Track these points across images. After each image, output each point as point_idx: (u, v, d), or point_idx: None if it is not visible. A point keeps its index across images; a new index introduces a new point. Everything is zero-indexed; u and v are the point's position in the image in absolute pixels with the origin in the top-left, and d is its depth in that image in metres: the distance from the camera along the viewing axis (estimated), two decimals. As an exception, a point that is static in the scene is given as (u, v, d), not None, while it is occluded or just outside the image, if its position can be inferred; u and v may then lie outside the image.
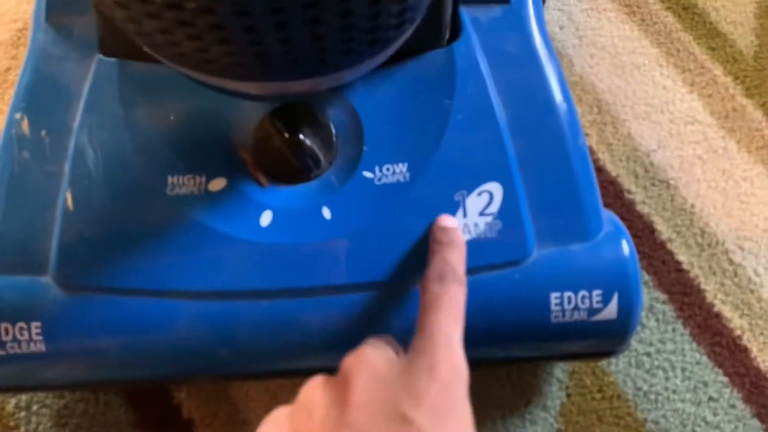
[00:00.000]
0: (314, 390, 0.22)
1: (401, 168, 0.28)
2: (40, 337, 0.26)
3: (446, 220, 0.27)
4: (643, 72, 0.42)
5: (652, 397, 0.34)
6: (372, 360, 0.22)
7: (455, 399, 0.21)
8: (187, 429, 0.32)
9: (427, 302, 0.24)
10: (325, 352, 0.27)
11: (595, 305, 0.27)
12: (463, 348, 0.23)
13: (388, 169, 0.28)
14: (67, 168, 0.27)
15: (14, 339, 0.26)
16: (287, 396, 0.33)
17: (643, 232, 0.37)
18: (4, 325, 0.26)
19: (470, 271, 0.27)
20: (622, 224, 0.29)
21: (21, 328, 0.26)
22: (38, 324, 0.26)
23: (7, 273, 0.27)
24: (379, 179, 0.28)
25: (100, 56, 0.28)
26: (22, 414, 0.32)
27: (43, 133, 0.28)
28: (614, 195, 0.38)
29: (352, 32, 0.20)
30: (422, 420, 0.20)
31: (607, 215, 0.29)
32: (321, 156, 0.28)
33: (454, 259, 0.25)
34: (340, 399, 0.21)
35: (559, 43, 0.42)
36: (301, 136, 0.28)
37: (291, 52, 0.20)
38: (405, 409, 0.20)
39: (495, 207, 0.27)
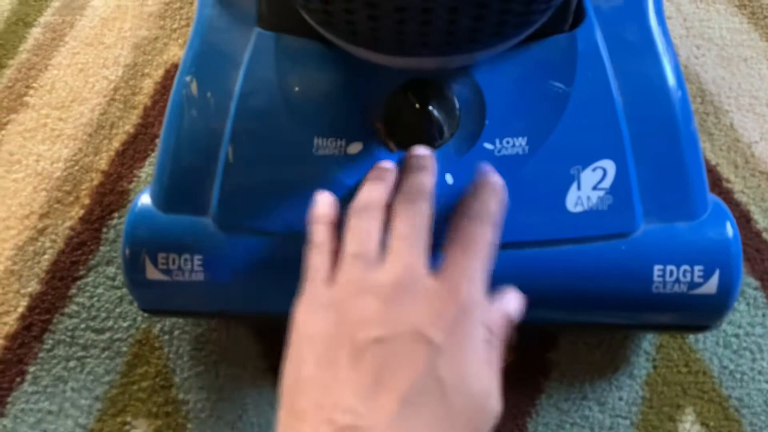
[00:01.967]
0: (347, 282, 0.24)
1: (521, 141, 0.30)
2: (200, 268, 0.31)
3: (418, 151, 0.29)
4: (749, 65, 0.42)
5: (738, 376, 0.35)
6: (401, 275, 0.24)
7: (472, 324, 0.23)
8: (305, 363, 0.36)
9: (457, 236, 0.26)
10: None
11: (696, 279, 0.29)
12: (485, 284, 0.25)
13: (507, 142, 0.31)
14: (228, 126, 0.31)
15: (179, 268, 0.31)
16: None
17: (739, 220, 0.38)
18: (172, 255, 0.31)
19: (580, 240, 0.29)
20: (727, 208, 0.31)
21: (185, 260, 0.31)
22: (200, 257, 0.31)
23: (176, 212, 0.31)
24: (499, 151, 0.31)
25: (259, 29, 0.32)
26: (166, 337, 0.38)
27: (209, 94, 0.32)
28: (712, 183, 0.39)
29: (507, 16, 0.23)
30: (438, 338, 0.22)
31: (713, 198, 0.31)
32: (445, 127, 0.31)
33: (491, 204, 0.27)
34: (370, 308, 0.23)
35: (666, 32, 0.43)
36: (430, 108, 0.31)
37: (452, 33, 0.23)
38: (426, 330, 0.22)
39: (607, 182, 0.29)
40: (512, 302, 0.27)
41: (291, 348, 0.25)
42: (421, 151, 0.29)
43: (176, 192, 0.32)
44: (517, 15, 0.23)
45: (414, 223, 0.26)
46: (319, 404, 0.22)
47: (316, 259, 0.26)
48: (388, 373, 0.22)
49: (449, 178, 0.31)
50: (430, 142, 0.31)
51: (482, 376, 0.23)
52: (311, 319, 0.25)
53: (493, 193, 0.27)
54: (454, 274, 0.24)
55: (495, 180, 0.28)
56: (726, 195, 0.39)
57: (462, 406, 0.22)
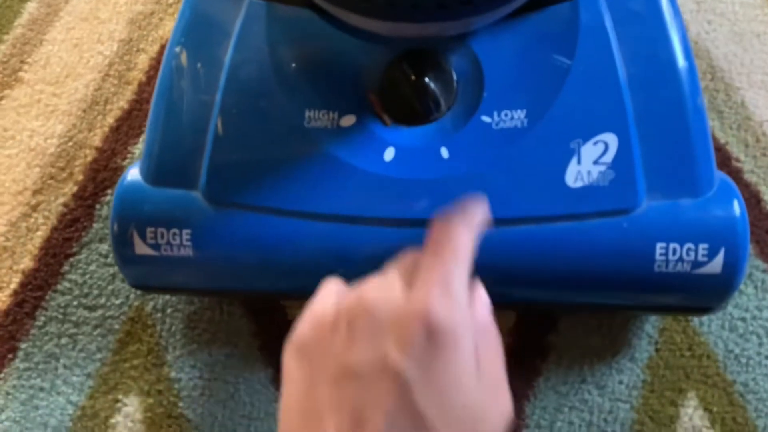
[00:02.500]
0: (321, 319, 0.22)
1: (519, 114, 0.29)
2: (189, 243, 0.30)
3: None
4: (762, 41, 0.41)
5: (743, 360, 0.34)
6: (371, 297, 0.21)
7: (451, 346, 0.20)
8: (298, 343, 0.36)
9: (432, 243, 0.23)
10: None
11: (700, 258, 0.28)
12: (465, 287, 0.22)
13: (506, 115, 0.29)
14: (218, 97, 0.30)
15: (168, 243, 0.30)
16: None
17: (749, 201, 0.37)
18: (160, 230, 0.30)
19: (580, 216, 0.28)
20: (734, 185, 0.29)
21: (174, 234, 0.30)
22: (188, 231, 0.30)
23: (165, 186, 0.31)
24: (497, 124, 0.30)
25: (250, -2, 0.31)
26: (158, 315, 0.37)
27: (199, 65, 0.31)
28: (721, 162, 0.38)
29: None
30: (409, 368, 0.20)
31: (720, 176, 0.30)
32: (442, 100, 0.30)
33: (471, 208, 0.24)
34: (344, 337, 0.21)
35: (675, 7, 0.42)
36: (426, 80, 0.30)
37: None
38: (392, 356, 0.20)
39: (609, 157, 0.28)
40: (479, 285, 0.24)
41: (282, 387, 0.23)
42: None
43: (165, 165, 0.31)
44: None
45: (442, 263, 0.22)
46: None
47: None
48: (363, 410, 0.20)
49: (445, 153, 0.30)
50: (426, 116, 0.30)
51: (470, 392, 0.21)
52: (292, 363, 0.23)
53: (475, 204, 0.25)
54: (424, 286, 0.21)
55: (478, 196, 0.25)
56: (735, 174, 0.38)
57: (452, 429, 0.20)
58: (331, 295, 0.23)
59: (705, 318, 0.35)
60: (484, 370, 0.21)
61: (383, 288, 0.22)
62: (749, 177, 0.38)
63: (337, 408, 0.21)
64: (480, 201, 0.25)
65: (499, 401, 0.22)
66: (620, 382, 0.34)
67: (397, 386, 0.20)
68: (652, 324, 0.35)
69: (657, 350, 0.35)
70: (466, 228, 0.23)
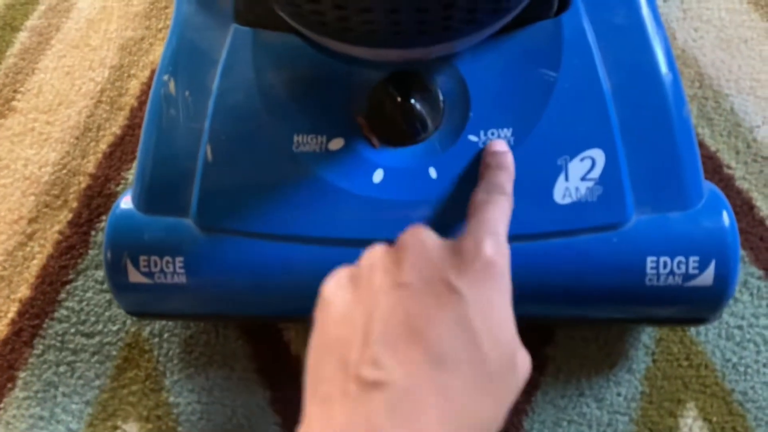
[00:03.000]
0: (375, 255, 0.24)
1: (506, 133, 0.29)
2: (182, 270, 0.30)
3: (497, 145, 0.29)
4: (750, 46, 0.41)
5: (741, 369, 0.34)
6: (425, 235, 0.24)
7: (498, 274, 0.23)
8: (296, 363, 0.36)
9: (474, 208, 0.26)
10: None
11: (691, 271, 0.28)
12: (507, 242, 0.24)
13: (492, 134, 0.30)
14: (207, 125, 0.31)
15: (161, 270, 0.30)
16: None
17: (741, 208, 0.37)
18: (153, 258, 0.30)
19: (569, 233, 0.28)
20: (723, 196, 0.29)
21: (167, 262, 0.30)
22: (181, 259, 0.30)
23: (156, 213, 0.31)
24: (484, 143, 0.30)
25: (236, 25, 0.31)
26: (155, 340, 0.37)
27: (187, 93, 0.31)
28: (713, 170, 0.38)
29: (479, 3, 0.22)
30: (464, 288, 0.22)
31: (709, 186, 0.30)
32: (428, 120, 0.30)
33: (502, 179, 0.27)
34: (396, 263, 0.23)
35: (662, 16, 0.42)
36: (412, 101, 0.30)
37: (423, 22, 0.22)
38: (450, 277, 0.22)
39: (596, 172, 0.28)
40: None
41: (315, 322, 0.24)
42: (500, 147, 0.29)
43: (156, 193, 0.31)
44: (489, 1, 0.22)
45: (488, 218, 0.25)
46: (343, 362, 0.21)
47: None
48: (416, 319, 0.21)
49: (433, 173, 0.30)
50: (413, 136, 0.31)
51: (510, 326, 0.23)
52: (335, 290, 0.24)
53: (498, 167, 0.28)
54: (477, 231, 0.24)
55: (500, 149, 0.28)
56: (727, 182, 0.38)
57: (494, 356, 0.21)
58: (380, 247, 0.24)
59: (702, 327, 0.35)
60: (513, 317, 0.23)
61: (432, 232, 0.24)
62: (741, 184, 0.38)
63: (387, 316, 0.21)
64: (507, 162, 0.28)
65: (524, 351, 0.23)
66: (618, 395, 0.34)
67: (453, 302, 0.21)
68: (648, 334, 0.35)
69: (654, 361, 0.35)
70: (502, 196, 0.26)
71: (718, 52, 0.41)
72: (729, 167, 0.38)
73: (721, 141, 0.39)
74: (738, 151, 0.38)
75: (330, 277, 0.24)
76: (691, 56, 0.41)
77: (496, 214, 0.25)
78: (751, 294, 0.35)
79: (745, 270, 0.36)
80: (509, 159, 0.28)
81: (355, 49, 0.26)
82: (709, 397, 0.34)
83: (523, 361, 0.23)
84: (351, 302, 0.23)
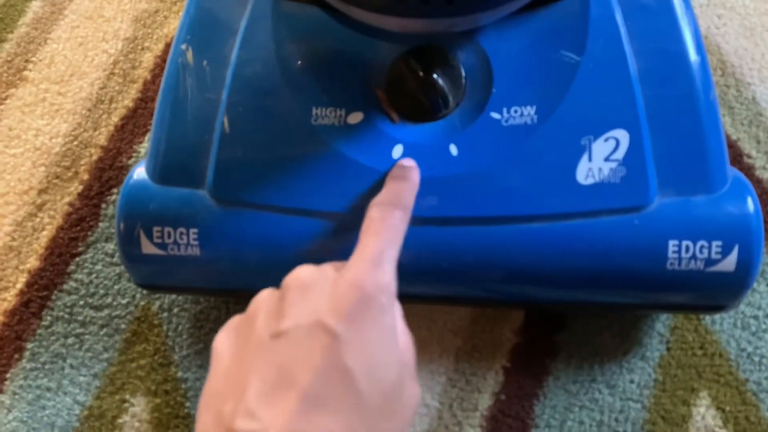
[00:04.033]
0: (258, 301, 0.24)
1: (529, 110, 0.29)
2: (196, 242, 0.30)
3: (405, 161, 0.29)
4: (774, 35, 0.40)
5: (756, 359, 0.34)
6: (306, 277, 0.23)
7: (377, 310, 0.22)
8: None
9: (366, 225, 0.25)
10: (435, 279, 0.30)
11: (714, 256, 0.27)
12: (394, 269, 0.24)
13: (515, 111, 0.29)
14: (224, 95, 0.30)
15: (174, 242, 0.30)
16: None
17: (761, 197, 0.36)
18: (167, 229, 0.30)
19: (591, 213, 0.28)
20: (748, 182, 0.29)
21: (181, 233, 0.30)
22: (195, 230, 0.30)
23: (171, 185, 0.31)
24: (507, 120, 0.29)
25: (256, -5, 0.31)
26: (165, 314, 0.37)
27: (205, 63, 0.31)
28: (733, 159, 0.37)
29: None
30: (342, 330, 0.21)
31: (734, 172, 0.29)
32: (450, 96, 0.30)
33: (402, 191, 0.27)
34: (277, 309, 0.23)
35: (685, 1, 0.41)
36: (434, 76, 0.30)
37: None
38: (327, 320, 0.21)
39: (620, 153, 0.28)
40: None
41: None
42: (407, 162, 0.29)
43: (171, 164, 0.31)
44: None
45: (376, 243, 0.24)
46: (220, 415, 0.21)
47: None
48: (290, 368, 0.21)
49: (454, 150, 0.29)
50: (434, 112, 0.30)
51: (392, 363, 0.22)
52: (223, 340, 0.24)
53: (403, 178, 0.27)
54: (358, 262, 0.23)
55: (407, 164, 0.28)
56: (747, 171, 0.37)
57: (374, 395, 0.21)
58: (266, 292, 0.25)
59: (717, 316, 0.35)
60: (401, 347, 0.23)
61: (316, 268, 0.24)
62: (761, 173, 0.37)
63: (263, 367, 0.21)
64: (412, 176, 0.28)
65: (412, 383, 0.23)
66: (631, 382, 0.34)
67: (328, 344, 0.21)
68: (663, 322, 0.35)
69: (668, 349, 0.34)
70: (400, 211, 0.26)
71: (742, 40, 0.40)
72: (749, 156, 0.38)
73: (741, 130, 0.38)
74: (759, 141, 0.38)
75: (222, 328, 0.24)
76: (713, 44, 0.40)
77: (385, 235, 0.24)
78: (768, 284, 0.35)
79: (763, 260, 0.36)
80: (416, 174, 0.28)
81: (380, 18, 0.25)
82: (723, 386, 0.34)
83: (410, 394, 0.23)
84: (232, 355, 0.23)
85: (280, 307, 0.23)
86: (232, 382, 0.22)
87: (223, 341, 0.24)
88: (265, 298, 0.24)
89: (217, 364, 0.23)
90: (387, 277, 0.23)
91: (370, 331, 0.22)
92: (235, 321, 0.24)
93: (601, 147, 0.28)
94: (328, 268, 0.24)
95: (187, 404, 0.35)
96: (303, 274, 0.23)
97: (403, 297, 0.32)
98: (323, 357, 0.21)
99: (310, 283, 0.23)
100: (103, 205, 0.39)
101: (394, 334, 0.23)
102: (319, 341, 0.21)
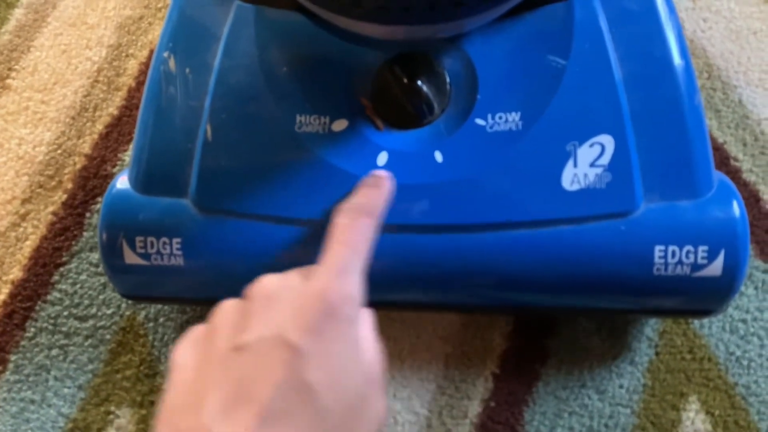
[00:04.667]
0: (222, 312, 0.23)
1: (514, 117, 0.29)
2: (179, 252, 0.30)
3: (378, 171, 0.28)
4: (759, 38, 0.40)
5: (745, 362, 0.34)
6: (270, 287, 0.23)
7: (341, 322, 0.22)
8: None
9: (332, 232, 0.25)
10: (421, 286, 0.29)
11: (700, 261, 0.27)
12: (360, 279, 0.23)
13: (500, 117, 0.29)
14: (207, 103, 0.30)
15: (158, 252, 0.30)
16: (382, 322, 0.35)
17: (748, 200, 0.36)
18: (150, 239, 0.30)
19: (577, 220, 0.28)
20: (733, 186, 0.29)
21: (164, 243, 0.30)
22: (179, 240, 0.30)
23: (154, 194, 0.30)
24: (491, 127, 0.29)
25: (238, 2, 0.31)
26: (150, 324, 0.37)
27: (187, 70, 0.31)
28: (719, 162, 0.37)
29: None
30: (305, 344, 0.21)
31: (719, 176, 0.29)
32: (435, 103, 0.30)
33: (373, 198, 0.27)
34: (240, 320, 0.22)
35: (671, 5, 0.41)
36: (418, 83, 0.29)
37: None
38: (289, 334, 0.21)
39: (606, 159, 0.28)
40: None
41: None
42: (380, 172, 0.28)
43: (154, 173, 0.30)
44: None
45: (342, 252, 0.24)
46: (177, 430, 0.20)
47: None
48: (250, 383, 0.20)
49: (439, 156, 0.29)
50: (419, 119, 0.30)
51: (356, 376, 0.22)
52: (183, 352, 0.23)
53: (375, 186, 0.27)
54: (323, 271, 0.23)
55: (379, 173, 0.28)
56: (734, 174, 0.37)
57: (336, 409, 0.21)
58: (229, 302, 0.24)
59: (705, 320, 0.34)
60: (366, 360, 0.22)
61: (281, 277, 0.23)
62: (747, 176, 0.37)
63: (222, 381, 0.21)
64: (384, 184, 0.27)
65: (378, 396, 0.23)
66: (621, 387, 0.34)
67: (289, 359, 0.20)
68: (651, 327, 0.35)
69: (657, 353, 0.34)
70: (368, 219, 0.25)
71: (727, 43, 0.40)
72: (736, 159, 0.38)
73: (728, 133, 0.38)
74: (745, 143, 0.38)
75: (182, 338, 0.23)
76: (699, 47, 0.40)
77: (352, 244, 0.24)
78: (756, 287, 0.35)
79: (750, 263, 0.36)
80: (388, 183, 0.28)
81: (363, 25, 0.25)
82: (712, 390, 0.33)
83: (375, 407, 0.22)
84: (192, 369, 0.22)
85: (243, 319, 0.22)
86: (190, 396, 0.21)
87: (183, 353, 0.23)
88: (228, 308, 0.23)
89: (175, 376, 0.22)
90: (352, 287, 0.23)
91: (334, 344, 0.21)
92: (196, 331, 0.23)
93: (586, 153, 0.28)
94: (293, 276, 0.23)
95: (174, 415, 0.35)
96: (267, 284, 0.23)
97: (390, 305, 0.32)
98: (284, 372, 0.20)
99: (274, 294, 0.22)
100: (88, 215, 0.39)
101: (357, 346, 0.22)
102: (281, 356, 0.20)
